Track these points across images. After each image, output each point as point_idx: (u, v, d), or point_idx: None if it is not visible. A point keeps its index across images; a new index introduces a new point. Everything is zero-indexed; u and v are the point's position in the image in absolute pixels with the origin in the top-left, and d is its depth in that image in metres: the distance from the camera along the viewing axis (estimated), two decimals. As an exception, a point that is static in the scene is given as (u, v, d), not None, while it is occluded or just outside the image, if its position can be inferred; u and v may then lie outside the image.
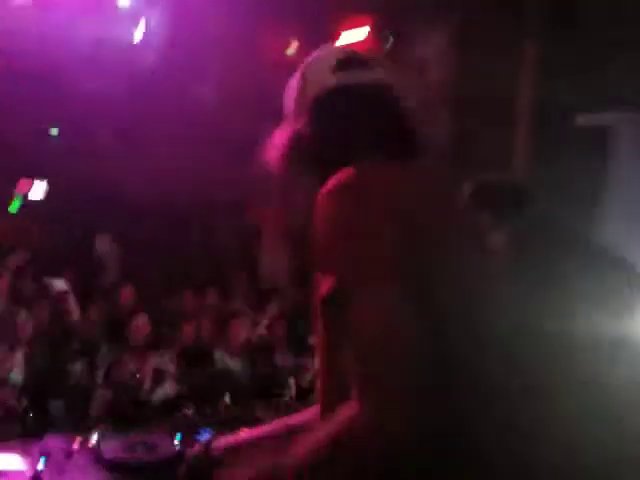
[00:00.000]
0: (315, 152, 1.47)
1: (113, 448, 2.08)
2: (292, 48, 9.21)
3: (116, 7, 9.60)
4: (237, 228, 9.45)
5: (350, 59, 1.49)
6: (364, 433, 1.07)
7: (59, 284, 6.81)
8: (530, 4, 6.29)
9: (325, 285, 1.19)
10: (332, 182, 1.29)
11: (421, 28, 8.04)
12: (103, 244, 9.23)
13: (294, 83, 1.56)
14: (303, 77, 1.53)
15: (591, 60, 5.17)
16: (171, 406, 2.50)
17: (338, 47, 1.62)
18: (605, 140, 5.38)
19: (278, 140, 1.53)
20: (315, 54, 1.57)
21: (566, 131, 5.33)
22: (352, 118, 1.44)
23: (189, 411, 2.28)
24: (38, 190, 9.53)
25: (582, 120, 5.38)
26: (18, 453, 2.05)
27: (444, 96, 7.39)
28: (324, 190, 1.29)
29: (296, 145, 1.50)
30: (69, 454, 2.07)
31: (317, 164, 1.45)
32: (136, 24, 9.99)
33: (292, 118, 1.53)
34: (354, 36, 10.17)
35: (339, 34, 10.07)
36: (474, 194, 2.31)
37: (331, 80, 1.46)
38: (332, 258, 1.20)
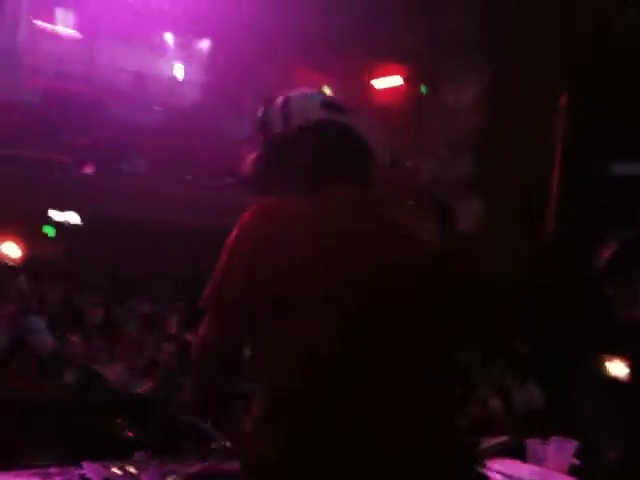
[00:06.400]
0: (288, 173, 1.62)
1: (152, 476, 2.03)
2: (326, 89, 9.34)
3: (159, 43, 9.88)
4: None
5: (333, 103, 1.71)
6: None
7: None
8: (566, 54, 6.30)
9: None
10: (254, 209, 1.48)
11: (455, 76, 8.07)
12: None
13: (276, 111, 1.69)
14: (288, 107, 1.67)
15: (628, 109, 5.16)
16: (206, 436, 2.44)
17: (320, 91, 1.82)
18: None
19: (253, 159, 1.68)
20: (299, 91, 1.73)
21: (603, 180, 5.29)
22: (330, 147, 1.63)
23: (223, 443, 2.21)
24: (70, 220, 9.61)
25: (619, 169, 5.34)
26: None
27: (473, 143, 7.37)
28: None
29: (270, 166, 1.65)
30: (107, 481, 2.03)
31: (287, 184, 1.59)
32: (178, 60, 10.26)
33: (270, 140, 1.67)
34: (387, 83, 10.27)
35: (373, 79, 10.19)
36: (632, 251, 2.23)
37: (320, 114, 1.65)
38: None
